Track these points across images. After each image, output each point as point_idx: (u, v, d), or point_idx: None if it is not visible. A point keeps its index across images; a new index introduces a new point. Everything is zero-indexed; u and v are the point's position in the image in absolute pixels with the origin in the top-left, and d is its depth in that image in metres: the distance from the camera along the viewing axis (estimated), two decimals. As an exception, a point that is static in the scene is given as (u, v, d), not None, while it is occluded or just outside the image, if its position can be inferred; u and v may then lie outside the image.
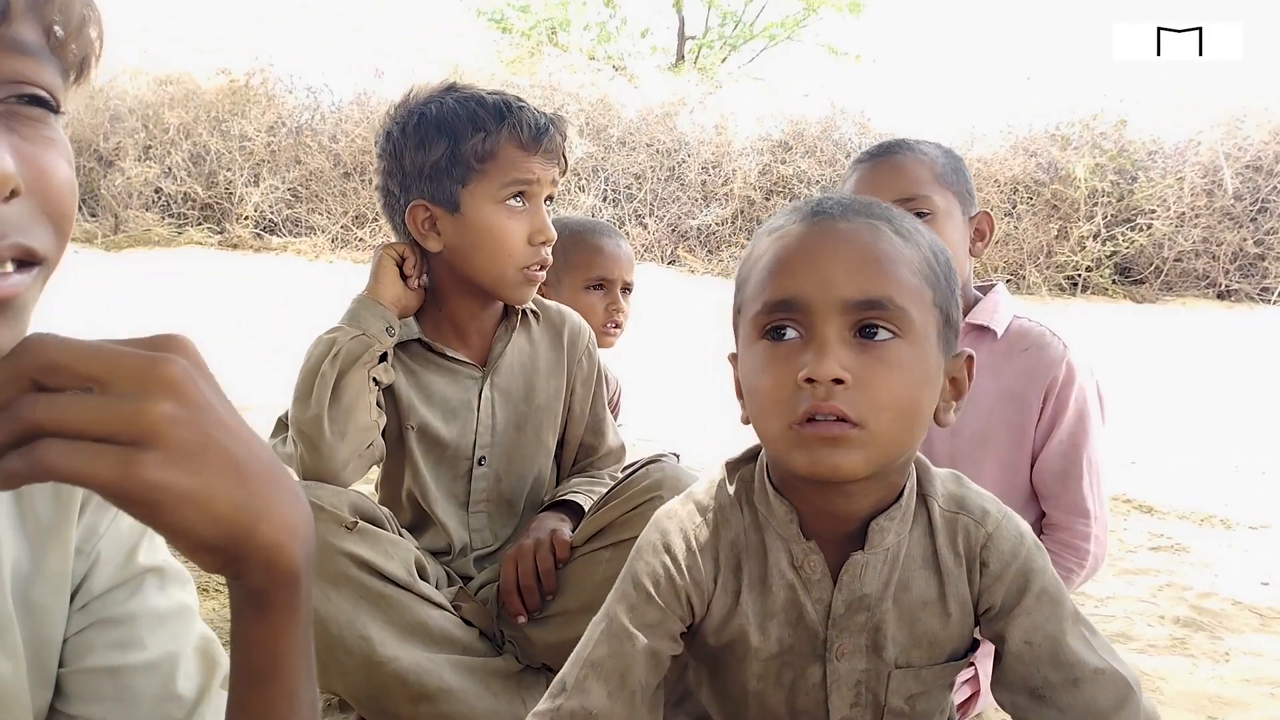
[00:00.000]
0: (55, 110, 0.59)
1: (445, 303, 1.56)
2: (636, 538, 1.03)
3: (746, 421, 0.96)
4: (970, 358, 0.96)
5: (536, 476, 1.63)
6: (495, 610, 1.48)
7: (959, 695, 1.57)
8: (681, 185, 9.36)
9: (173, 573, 0.75)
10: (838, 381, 0.84)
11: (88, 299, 5.60)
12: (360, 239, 8.87)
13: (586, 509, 1.53)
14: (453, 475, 1.56)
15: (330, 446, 1.37)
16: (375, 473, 1.59)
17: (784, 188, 9.24)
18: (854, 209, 0.93)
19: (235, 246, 8.70)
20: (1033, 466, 1.67)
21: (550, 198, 1.53)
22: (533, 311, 1.64)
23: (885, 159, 1.69)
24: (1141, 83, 9.12)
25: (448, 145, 1.44)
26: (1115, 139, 9.03)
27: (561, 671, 0.99)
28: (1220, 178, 8.64)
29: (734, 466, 1.04)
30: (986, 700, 1.61)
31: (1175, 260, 8.66)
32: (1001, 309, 1.71)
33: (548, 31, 13.78)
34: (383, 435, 1.45)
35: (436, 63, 9.56)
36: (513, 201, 1.48)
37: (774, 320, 0.90)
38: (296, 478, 1.39)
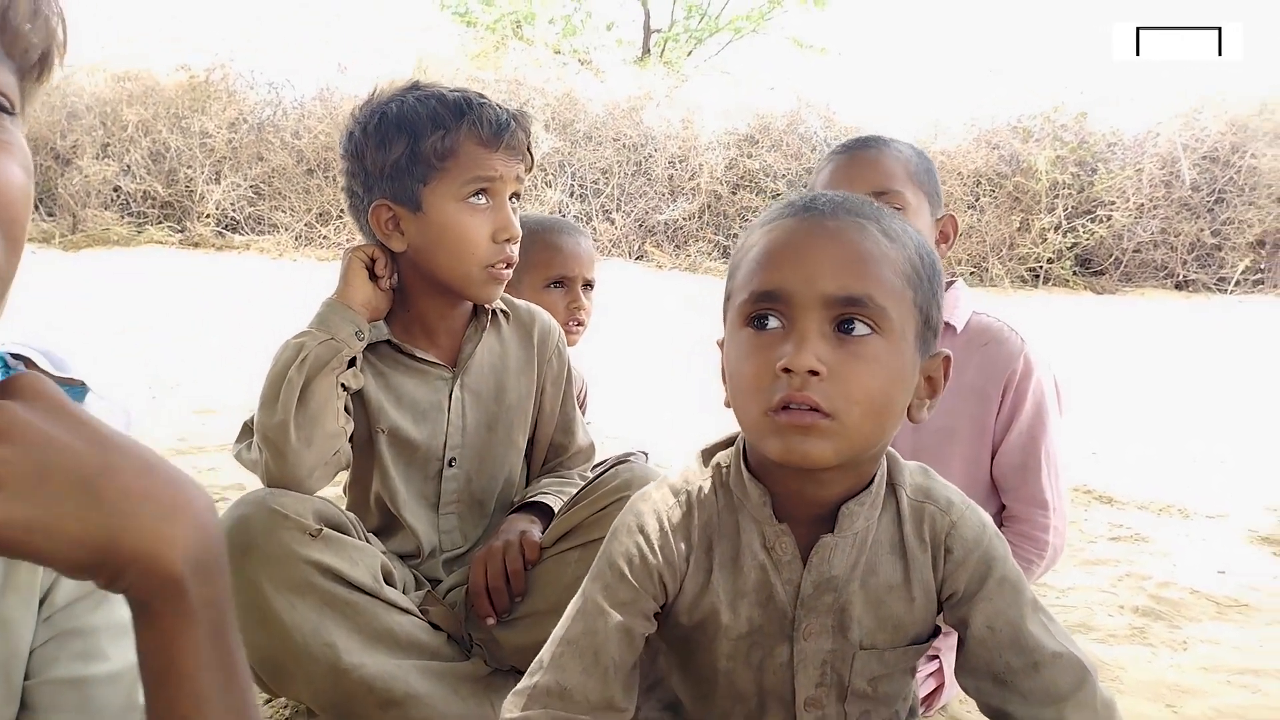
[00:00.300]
0: (10, 112, 0.58)
1: (414, 303, 1.55)
2: (605, 538, 1.05)
3: (728, 405, 0.99)
4: (947, 358, 1.00)
5: (507, 477, 1.63)
6: (464, 613, 1.48)
7: (924, 688, 1.59)
8: (648, 180, 9.34)
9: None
10: (814, 373, 0.88)
11: (46, 300, 5.51)
12: (324, 236, 8.76)
13: (557, 510, 1.54)
14: (423, 477, 1.55)
15: (296, 453, 1.35)
16: (343, 476, 1.58)
17: (750, 182, 9.24)
18: (845, 207, 0.96)
19: (197, 245, 8.55)
20: (993, 460, 1.70)
21: (517, 195, 1.53)
22: (502, 311, 1.63)
23: (861, 152, 1.71)
24: (1103, 75, 9.22)
25: (408, 143, 1.44)
26: (1076, 131, 9.13)
27: (540, 651, 1.02)
28: (1178, 169, 8.77)
29: (709, 452, 1.08)
30: (951, 692, 1.64)
31: (1134, 251, 8.78)
32: (961, 305, 1.74)
33: (513, 25, 13.68)
34: (351, 439, 1.43)
35: (400, 58, 9.47)
36: (475, 199, 1.47)
37: (758, 310, 0.93)
38: (262, 483, 1.38)
